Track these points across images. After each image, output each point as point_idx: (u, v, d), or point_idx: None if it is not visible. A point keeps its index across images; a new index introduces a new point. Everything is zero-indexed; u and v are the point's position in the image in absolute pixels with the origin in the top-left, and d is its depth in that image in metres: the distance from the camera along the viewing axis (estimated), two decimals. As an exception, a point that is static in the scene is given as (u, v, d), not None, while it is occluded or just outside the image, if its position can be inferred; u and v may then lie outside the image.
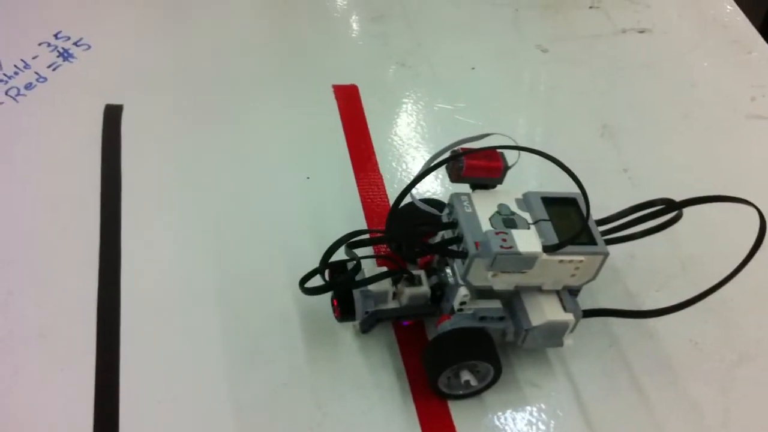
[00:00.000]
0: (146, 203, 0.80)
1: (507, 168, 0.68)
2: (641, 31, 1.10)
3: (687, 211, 0.86)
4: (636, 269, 0.81)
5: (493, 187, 0.68)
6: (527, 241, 0.62)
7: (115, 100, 0.89)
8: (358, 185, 0.85)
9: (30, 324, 0.70)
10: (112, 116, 0.87)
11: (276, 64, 0.98)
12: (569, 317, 0.66)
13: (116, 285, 0.73)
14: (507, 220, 0.64)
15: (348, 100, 0.94)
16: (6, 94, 0.87)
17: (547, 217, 0.66)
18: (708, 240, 0.85)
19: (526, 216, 0.65)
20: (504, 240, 0.61)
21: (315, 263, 0.70)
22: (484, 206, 0.65)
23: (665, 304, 0.77)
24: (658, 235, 0.83)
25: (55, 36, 0.95)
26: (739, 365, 0.74)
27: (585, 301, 0.76)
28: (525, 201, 0.67)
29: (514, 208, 0.66)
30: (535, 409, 0.69)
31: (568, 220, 0.67)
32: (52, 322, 0.70)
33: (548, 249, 0.62)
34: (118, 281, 0.73)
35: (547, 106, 0.97)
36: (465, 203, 0.66)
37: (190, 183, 0.83)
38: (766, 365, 0.74)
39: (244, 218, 0.80)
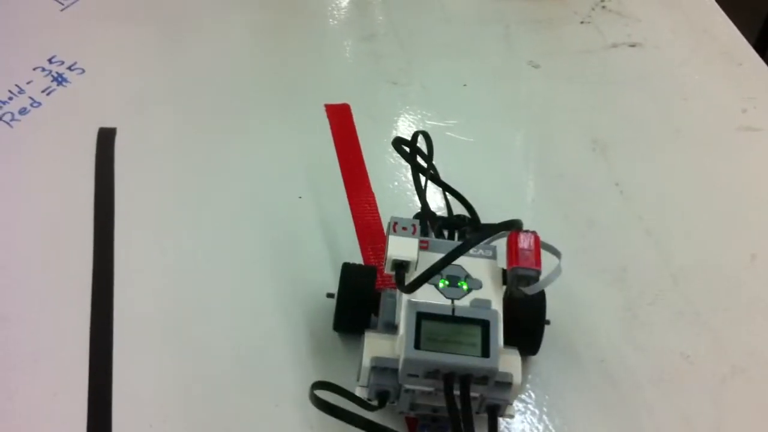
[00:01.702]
0: (139, 227, 0.81)
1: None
2: (632, 45, 1.10)
3: (676, 222, 0.87)
4: (628, 282, 0.81)
5: None
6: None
7: (108, 123, 0.90)
8: (350, 204, 0.85)
9: (23, 349, 0.70)
10: (106, 139, 0.88)
11: (268, 84, 0.98)
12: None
13: (109, 308, 0.73)
14: None
15: (340, 119, 0.94)
16: (0, 119, 0.88)
17: None
18: (699, 251, 0.85)
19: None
20: None
21: (309, 285, 0.72)
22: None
23: (657, 318, 0.78)
24: (649, 247, 0.84)
25: (50, 60, 0.96)
26: (732, 378, 0.74)
27: (581, 316, 0.77)
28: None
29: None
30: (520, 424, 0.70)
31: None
32: (46, 347, 0.70)
33: None
34: (110, 305, 0.74)
35: (539, 121, 0.98)
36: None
37: (182, 205, 0.84)
38: (757, 377, 0.74)
39: (237, 240, 0.81)
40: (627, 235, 0.86)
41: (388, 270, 0.62)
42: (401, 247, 0.62)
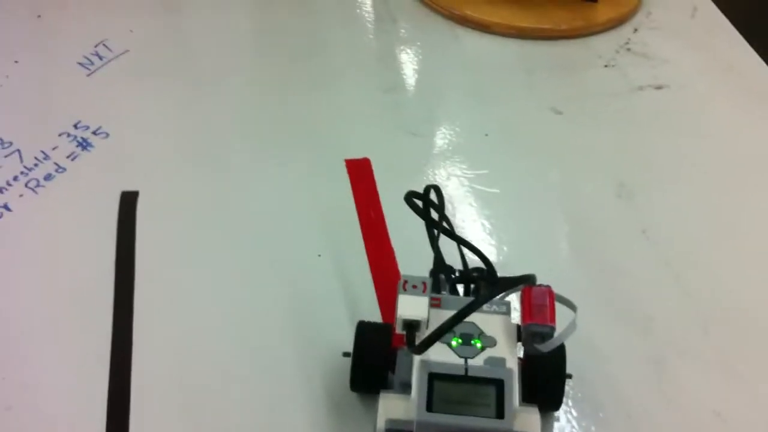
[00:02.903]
0: (159, 289, 0.81)
1: None
2: (658, 88, 1.08)
3: (706, 268, 0.84)
4: (655, 332, 0.79)
5: None
6: None
7: (131, 187, 0.91)
8: (369, 260, 0.84)
9: (42, 414, 0.70)
10: (128, 202, 0.89)
11: (289, 140, 0.99)
12: None
13: (127, 371, 0.73)
14: None
15: (360, 173, 0.94)
16: (26, 186, 0.90)
17: None
18: (730, 299, 0.82)
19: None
20: None
21: (327, 344, 0.73)
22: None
23: (687, 371, 0.75)
24: (678, 294, 0.81)
25: (75, 126, 0.98)
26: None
27: (606, 369, 0.74)
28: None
29: None
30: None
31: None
32: (64, 413, 0.70)
33: None
34: (129, 368, 0.73)
35: (563, 168, 0.96)
36: None
37: (201, 266, 0.84)
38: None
39: (255, 300, 0.80)
40: (654, 283, 0.83)
41: (399, 330, 0.61)
42: (411, 307, 0.61)
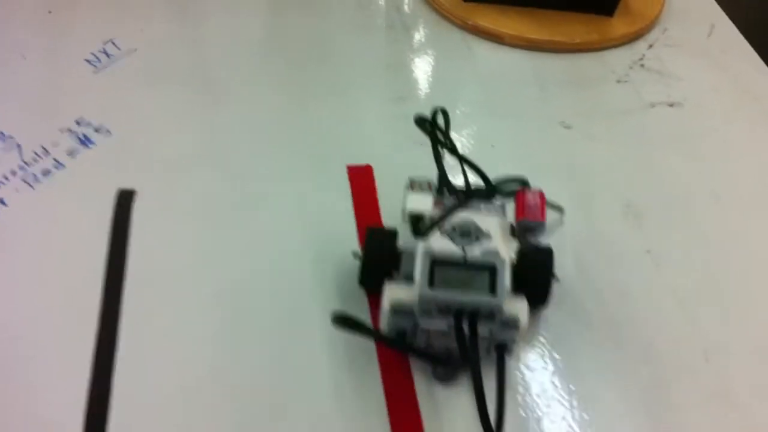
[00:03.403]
0: (149, 293, 0.80)
1: None
2: (671, 105, 1.06)
3: (712, 295, 0.82)
4: (655, 359, 0.76)
5: None
6: None
7: (130, 185, 0.90)
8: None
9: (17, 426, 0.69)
10: (124, 201, 0.88)
11: (291, 148, 0.97)
12: None
13: (108, 374, 0.72)
14: None
15: (361, 180, 0.93)
16: (23, 181, 0.89)
17: None
18: (735, 328, 0.80)
19: None
20: None
21: (321, 353, 0.73)
22: None
23: (690, 400, 0.73)
24: (681, 321, 0.79)
25: (78, 122, 0.97)
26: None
27: (601, 393, 0.72)
28: None
29: None
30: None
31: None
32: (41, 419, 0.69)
33: None
34: (109, 383, 0.72)
35: (568, 184, 0.94)
36: None
37: (195, 271, 0.82)
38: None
39: (247, 313, 0.79)
40: (657, 307, 0.81)
41: (405, 221, 0.74)
42: (417, 202, 0.74)
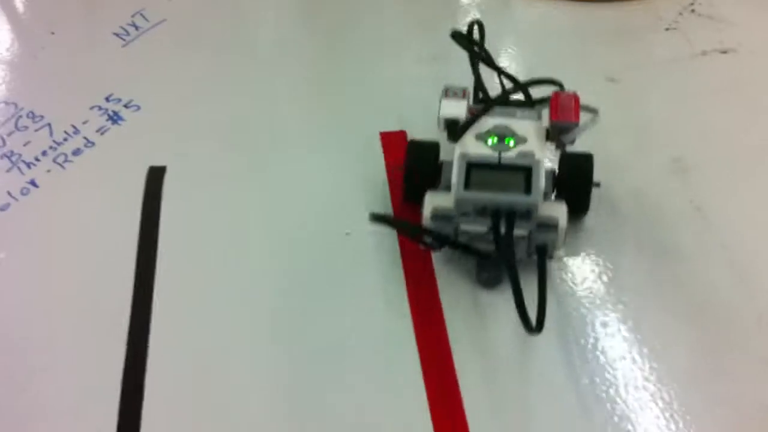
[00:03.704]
0: (182, 265, 0.79)
1: None
2: (724, 52, 1.00)
3: (761, 253, 0.77)
4: (706, 323, 0.72)
5: None
6: None
7: (160, 162, 0.88)
8: (399, 242, 0.80)
9: (54, 402, 0.69)
10: (155, 178, 0.87)
11: (324, 113, 0.95)
12: None
13: (143, 362, 0.71)
14: None
15: (395, 147, 0.89)
16: (54, 161, 0.88)
17: None
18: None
19: None
20: None
21: (353, 325, 0.72)
22: None
23: (741, 367, 0.69)
24: (733, 281, 0.75)
25: (107, 99, 0.96)
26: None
27: (650, 358, 0.69)
28: None
29: None
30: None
31: None
32: (77, 399, 0.69)
33: None
34: (144, 357, 0.71)
35: (614, 140, 0.89)
36: None
37: (226, 244, 0.81)
38: None
39: (279, 283, 0.77)
40: (707, 267, 0.77)
41: (441, 128, 0.74)
42: (452, 107, 0.74)
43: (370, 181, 0.86)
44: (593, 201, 0.78)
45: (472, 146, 0.71)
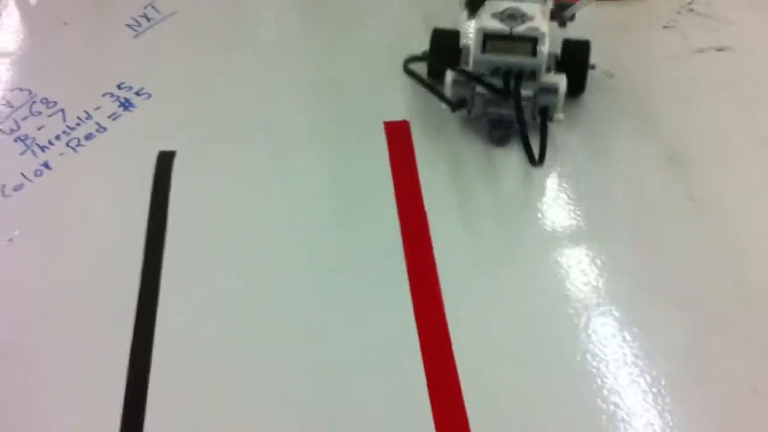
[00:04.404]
0: (189, 249, 0.81)
1: None
2: (720, 50, 1.02)
3: (757, 243, 0.79)
4: (695, 306, 0.75)
5: None
6: None
7: (170, 148, 0.91)
8: (401, 226, 0.82)
9: (62, 379, 0.71)
10: (165, 162, 0.89)
11: (328, 104, 0.97)
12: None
13: (149, 340, 0.73)
14: None
15: (398, 136, 0.92)
16: (67, 145, 0.91)
17: None
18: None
19: None
20: None
21: (354, 303, 0.73)
22: None
23: (729, 349, 0.71)
24: (723, 268, 0.77)
25: (118, 86, 0.98)
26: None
27: (639, 337, 0.71)
28: None
29: None
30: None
31: None
32: (84, 376, 0.72)
33: None
34: (151, 335, 0.74)
35: (609, 133, 0.92)
36: None
37: (233, 228, 0.83)
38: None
39: (284, 270, 0.80)
40: (700, 255, 0.79)
41: (462, 7, 0.89)
42: None
43: (375, 167, 0.89)
44: (589, 83, 0.94)
45: (487, 21, 0.85)
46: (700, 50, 1.03)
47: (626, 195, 0.85)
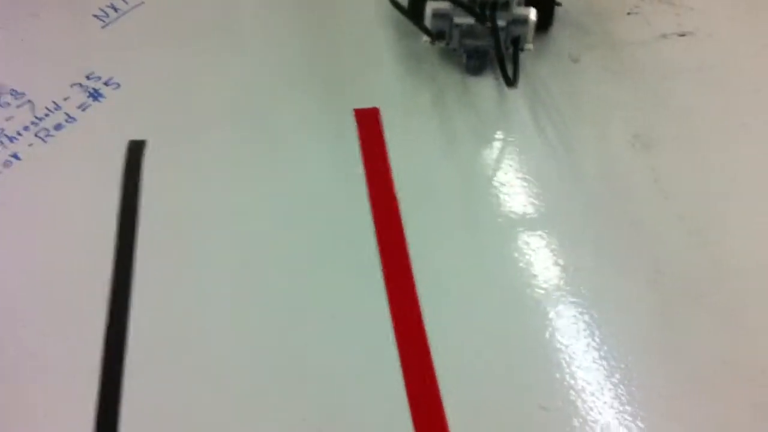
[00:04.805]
0: (161, 241, 0.82)
1: None
2: (682, 35, 1.04)
3: (721, 222, 0.81)
4: (663, 284, 0.76)
5: None
6: None
7: (140, 137, 0.91)
8: (373, 211, 0.83)
9: (34, 360, 0.72)
10: (135, 151, 0.89)
11: (300, 92, 0.98)
12: None
13: (123, 331, 0.74)
14: None
15: (368, 123, 0.93)
16: (36, 135, 0.91)
17: None
18: (743, 253, 0.79)
19: None
20: None
21: (327, 287, 0.75)
22: None
23: (698, 324, 0.73)
24: (689, 247, 0.79)
25: (87, 77, 0.98)
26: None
27: (611, 316, 0.73)
28: None
29: None
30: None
31: None
32: (59, 359, 0.72)
33: None
34: (125, 326, 0.74)
35: (577, 118, 0.94)
36: None
37: (206, 216, 0.84)
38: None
39: (258, 259, 0.81)
40: (666, 235, 0.81)
41: None
42: None
43: (346, 153, 0.90)
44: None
45: None
46: (664, 35, 1.05)
47: (594, 177, 0.87)
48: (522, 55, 0.99)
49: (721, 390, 0.69)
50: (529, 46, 0.96)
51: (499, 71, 0.95)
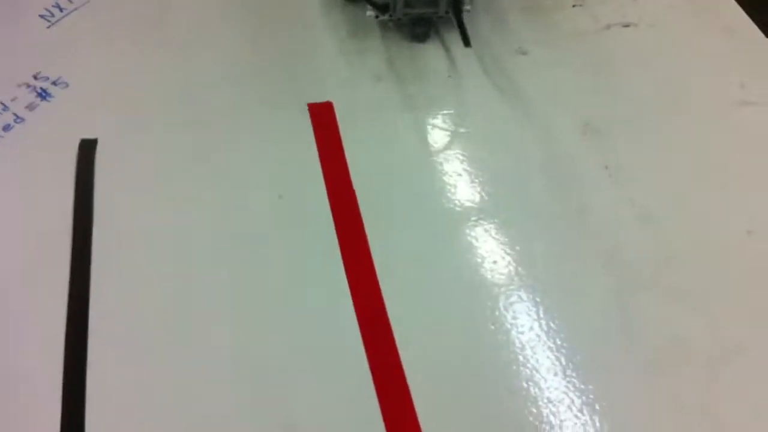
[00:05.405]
0: (117, 237, 0.81)
1: None
2: (626, 26, 1.07)
3: (669, 202, 0.84)
4: (617, 267, 0.78)
5: None
6: None
7: (90, 135, 0.90)
8: (330, 202, 0.84)
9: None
10: (87, 150, 0.88)
11: (252, 88, 0.98)
12: None
13: (84, 310, 0.73)
14: None
15: (322, 116, 0.93)
16: (-17, 137, 0.89)
17: None
18: (692, 232, 0.82)
19: None
20: None
21: (289, 279, 0.74)
22: None
23: (651, 305, 0.75)
24: (640, 229, 0.81)
25: (35, 77, 0.97)
26: (725, 362, 0.71)
27: (569, 302, 0.74)
28: None
29: None
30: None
31: None
32: (22, 366, 0.71)
33: None
34: (86, 322, 0.74)
35: (528, 108, 0.95)
36: None
37: (160, 214, 0.83)
38: (751, 361, 0.71)
39: (215, 252, 0.81)
40: (617, 219, 0.83)
41: None
42: None
43: (302, 147, 0.90)
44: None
45: None
46: (608, 26, 1.07)
47: (546, 164, 0.89)
48: (472, 49, 1.01)
49: (675, 368, 0.71)
50: (467, 7, 1.00)
51: (440, 42, 1.02)
